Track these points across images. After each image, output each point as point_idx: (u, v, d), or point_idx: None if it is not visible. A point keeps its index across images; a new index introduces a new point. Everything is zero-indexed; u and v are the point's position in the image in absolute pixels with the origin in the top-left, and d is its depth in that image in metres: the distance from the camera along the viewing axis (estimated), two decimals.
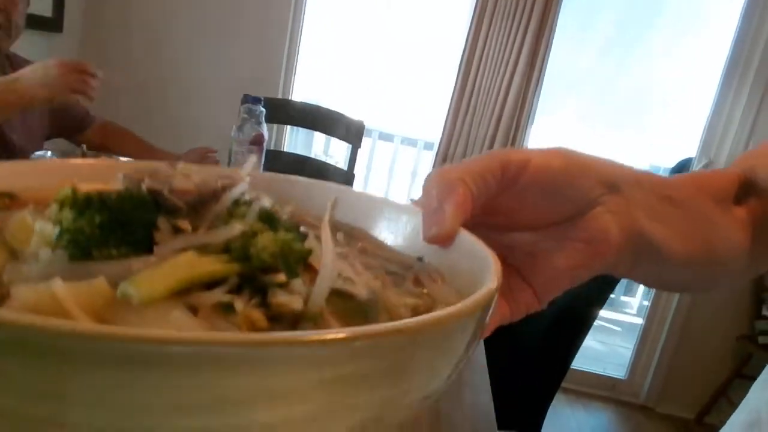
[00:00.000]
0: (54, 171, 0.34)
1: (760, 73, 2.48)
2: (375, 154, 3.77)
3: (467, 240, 0.31)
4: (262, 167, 1.81)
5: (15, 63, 1.42)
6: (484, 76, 2.60)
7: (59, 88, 1.15)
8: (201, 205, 0.27)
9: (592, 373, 2.88)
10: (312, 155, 3.53)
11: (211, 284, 0.23)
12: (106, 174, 0.30)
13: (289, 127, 2.96)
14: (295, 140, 3.34)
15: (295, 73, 2.87)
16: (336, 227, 0.34)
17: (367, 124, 2.37)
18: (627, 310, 3.97)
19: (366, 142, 2.40)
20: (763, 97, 2.50)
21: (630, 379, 2.90)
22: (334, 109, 2.41)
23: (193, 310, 0.22)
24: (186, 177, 0.27)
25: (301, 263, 0.25)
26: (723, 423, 0.63)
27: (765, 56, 2.47)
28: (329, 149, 3.71)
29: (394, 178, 3.65)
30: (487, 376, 1.01)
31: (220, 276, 0.23)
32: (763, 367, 0.56)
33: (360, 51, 3.69)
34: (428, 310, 0.28)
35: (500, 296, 0.34)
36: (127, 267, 0.22)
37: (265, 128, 1.79)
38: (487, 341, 1.14)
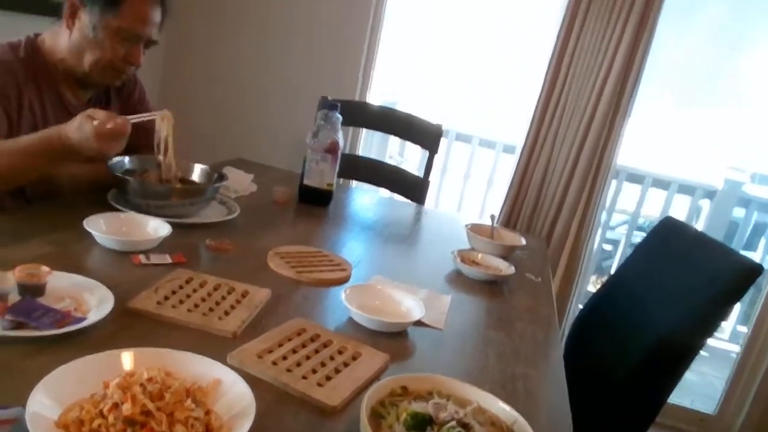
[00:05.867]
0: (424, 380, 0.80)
1: None
2: (451, 155, 3.65)
3: None
4: (335, 175, 1.76)
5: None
6: (575, 74, 2.43)
7: (100, 158, 1.25)
8: (441, 422, 0.70)
9: (678, 406, 2.66)
10: (387, 156, 3.47)
11: None
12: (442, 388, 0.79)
13: (365, 129, 2.90)
14: (371, 140, 3.28)
15: (372, 74, 2.80)
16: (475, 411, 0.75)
17: (444, 124, 2.27)
18: (718, 335, 3.66)
19: (442, 142, 2.29)
20: None
21: (721, 415, 2.66)
22: (411, 113, 2.33)
23: None
24: (441, 408, 0.72)
25: None
26: None
27: None
28: (404, 150, 3.63)
29: (469, 183, 3.52)
30: (567, 395, 1.00)
31: None
32: None
33: (440, 50, 3.57)
34: None
35: None
36: None
37: (340, 136, 1.73)
38: (573, 375, 1.08)
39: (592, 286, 3.40)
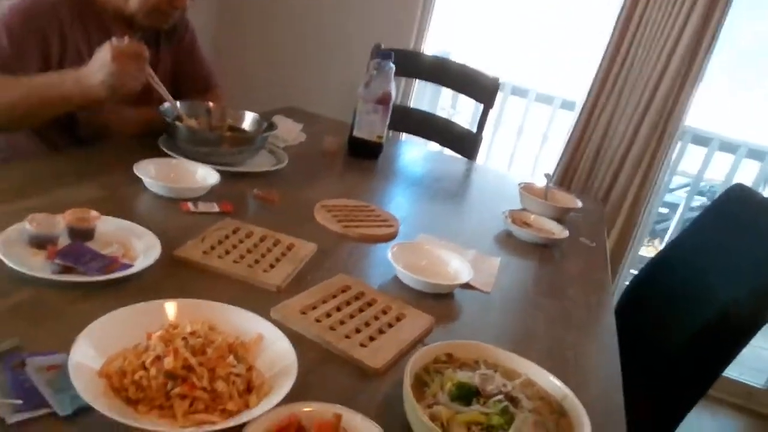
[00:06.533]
0: (471, 348, 0.77)
1: None
2: (505, 110, 3.53)
3: None
4: (386, 127, 1.71)
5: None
6: (645, 32, 2.27)
7: (119, 85, 1.16)
8: (488, 395, 0.68)
9: (725, 377, 2.56)
10: (438, 108, 3.38)
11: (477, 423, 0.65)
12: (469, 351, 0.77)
13: (417, 80, 2.82)
14: (423, 91, 3.18)
15: (429, 23, 2.70)
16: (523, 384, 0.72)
17: (500, 77, 2.17)
18: None
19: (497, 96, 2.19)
20: None
21: None
22: (467, 65, 2.23)
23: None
24: (488, 380, 0.69)
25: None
26: None
27: None
28: (457, 102, 3.52)
29: (522, 138, 3.39)
30: (619, 366, 0.96)
31: (481, 421, 0.64)
32: None
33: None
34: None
35: None
36: (458, 409, 0.65)
37: (393, 86, 1.67)
38: (623, 342, 1.04)
39: (645, 249, 3.28)
